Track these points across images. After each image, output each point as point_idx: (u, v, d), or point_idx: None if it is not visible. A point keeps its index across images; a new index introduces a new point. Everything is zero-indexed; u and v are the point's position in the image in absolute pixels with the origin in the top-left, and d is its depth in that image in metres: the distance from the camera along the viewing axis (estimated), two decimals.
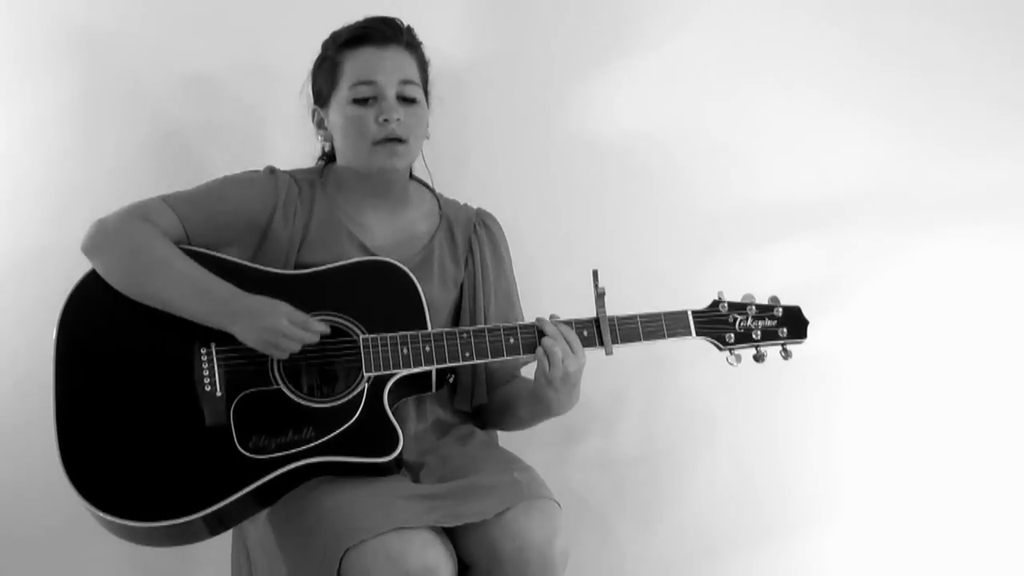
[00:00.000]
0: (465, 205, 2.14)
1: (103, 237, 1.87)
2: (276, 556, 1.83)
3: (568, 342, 1.86)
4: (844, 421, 2.57)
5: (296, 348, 1.80)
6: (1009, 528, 2.59)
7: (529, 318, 1.93)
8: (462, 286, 2.06)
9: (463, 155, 2.39)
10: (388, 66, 1.94)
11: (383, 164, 1.95)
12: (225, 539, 1.97)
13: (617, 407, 2.52)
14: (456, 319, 2.05)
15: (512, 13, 2.47)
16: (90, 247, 1.87)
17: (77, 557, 2.31)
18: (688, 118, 2.48)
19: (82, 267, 1.88)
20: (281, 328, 1.77)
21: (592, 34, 2.47)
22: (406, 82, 1.95)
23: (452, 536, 1.78)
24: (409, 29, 2.00)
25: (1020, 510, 2.59)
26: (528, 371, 2.07)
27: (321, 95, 2.01)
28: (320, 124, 2.03)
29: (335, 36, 2.00)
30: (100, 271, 1.86)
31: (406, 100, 1.95)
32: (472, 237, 2.08)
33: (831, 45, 2.50)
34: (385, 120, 1.92)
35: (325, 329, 1.82)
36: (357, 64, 1.95)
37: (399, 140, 1.93)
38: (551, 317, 1.90)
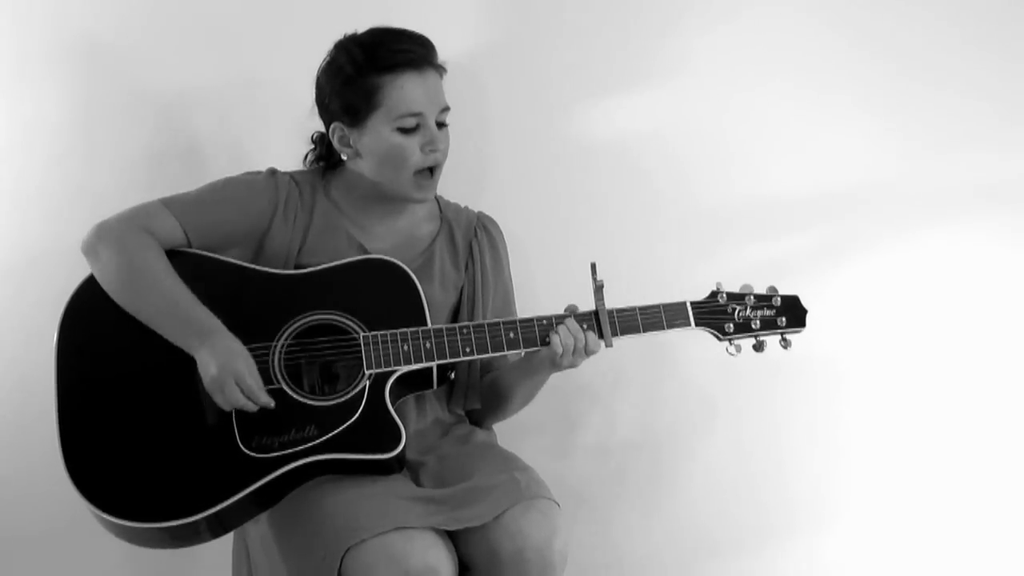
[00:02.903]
0: (466, 208, 2.13)
1: (100, 242, 1.86)
2: (277, 556, 1.84)
3: (585, 343, 1.88)
4: (845, 414, 2.56)
5: (226, 408, 1.79)
6: (1010, 521, 2.59)
7: (528, 314, 1.94)
8: (461, 289, 2.06)
9: (463, 155, 2.38)
10: (432, 96, 1.93)
11: (415, 197, 1.96)
12: (225, 539, 1.96)
13: (616, 401, 2.53)
14: (454, 321, 2.05)
15: (514, 14, 2.46)
16: (88, 250, 1.88)
17: (78, 557, 2.32)
18: (687, 115, 2.48)
19: (83, 268, 1.88)
20: (224, 385, 1.76)
21: (594, 34, 2.46)
22: (444, 110, 1.95)
23: (452, 537, 1.78)
24: (434, 47, 1.96)
25: (1020, 504, 2.59)
26: None
27: (350, 115, 1.93)
28: (343, 141, 1.96)
29: (359, 54, 1.91)
30: (95, 274, 1.87)
31: (441, 125, 1.96)
32: (473, 241, 2.08)
33: (830, 44, 2.49)
34: (432, 150, 1.92)
35: (268, 403, 1.80)
36: (403, 94, 1.90)
37: (437, 167, 1.95)
38: (567, 308, 1.92)
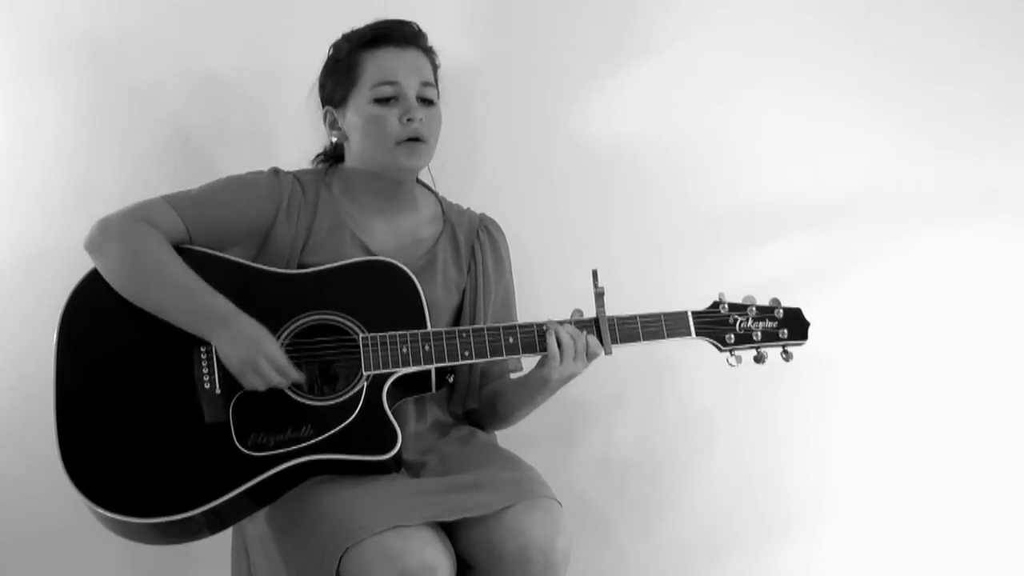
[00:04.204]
0: (468, 210, 2.14)
1: (105, 237, 1.87)
2: (275, 555, 1.84)
3: (587, 346, 1.88)
4: (843, 423, 2.56)
5: (262, 388, 1.80)
6: (1008, 527, 2.59)
7: (528, 319, 1.93)
8: (464, 291, 2.07)
9: (464, 158, 2.39)
10: (410, 67, 1.96)
11: (404, 164, 1.96)
12: (225, 538, 1.98)
13: (617, 408, 2.52)
14: (456, 323, 2.06)
15: (513, 17, 2.47)
16: (91, 246, 1.88)
17: (78, 555, 2.31)
18: (687, 120, 2.49)
19: (85, 267, 1.89)
20: (257, 367, 1.78)
21: (592, 37, 2.48)
22: (426, 84, 1.97)
23: (453, 535, 1.78)
24: (424, 33, 2.01)
25: (1019, 508, 2.59)
26: None
27: (336, 95, 2.00)
28: (333, 125, 2.02)
29: (350, 37, 2.00)
30: (100, 270, 1.87)
31: (425, 101, 1.97)
32: (475, 243, 2.09)
33: (828, 45, 2.51)
34: (409, 120, 1.93)
35: (299, 378, 1.82)
36: (379, 64, 1.95)
37: (420, 140, 1.95)
38: (573, 313, 1.92)
